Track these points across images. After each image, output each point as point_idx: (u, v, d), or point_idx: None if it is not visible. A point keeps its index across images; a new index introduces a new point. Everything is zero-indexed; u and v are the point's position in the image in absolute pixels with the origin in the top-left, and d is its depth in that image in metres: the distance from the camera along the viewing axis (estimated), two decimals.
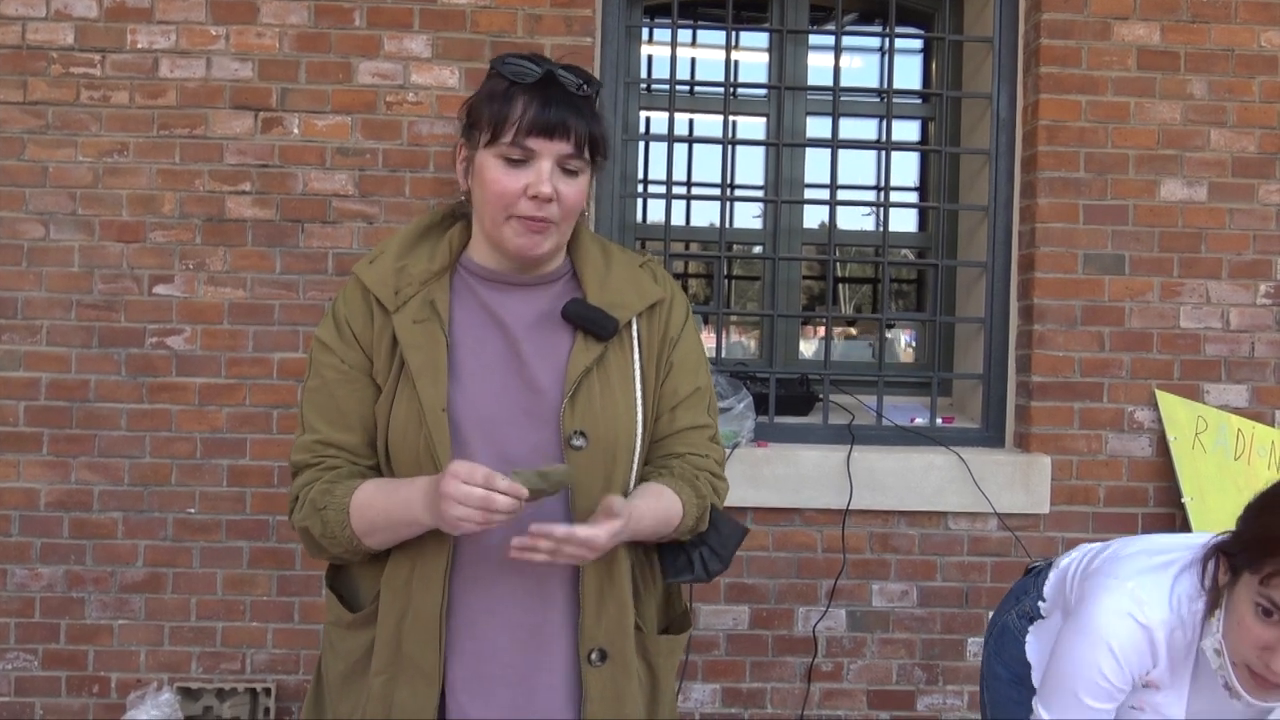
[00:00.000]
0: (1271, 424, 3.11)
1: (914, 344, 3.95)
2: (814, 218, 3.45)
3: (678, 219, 3.35)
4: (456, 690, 1.36)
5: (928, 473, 3.02)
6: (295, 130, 2.99)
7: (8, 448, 2.96)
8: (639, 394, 1.42)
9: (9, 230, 2.96)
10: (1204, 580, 1.57)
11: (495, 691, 1.36)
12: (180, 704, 2.82)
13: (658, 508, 1.36)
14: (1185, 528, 3.02)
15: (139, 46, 2.97)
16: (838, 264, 3.29)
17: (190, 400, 2.98)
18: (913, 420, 3.19)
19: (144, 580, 2.99)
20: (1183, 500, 3.01)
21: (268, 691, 2.93)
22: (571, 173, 1.35)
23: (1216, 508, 3.00)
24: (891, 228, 3.27)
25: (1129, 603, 1.57)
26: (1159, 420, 3.07)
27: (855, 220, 3.93)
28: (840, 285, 4.28)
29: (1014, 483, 3.03)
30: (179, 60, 2.97)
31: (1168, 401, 3.07)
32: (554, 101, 1.33)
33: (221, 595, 3.00)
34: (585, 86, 1.37)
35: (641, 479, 1.42)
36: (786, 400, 3.21)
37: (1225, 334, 3.11)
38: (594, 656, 1.36)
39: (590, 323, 1.39)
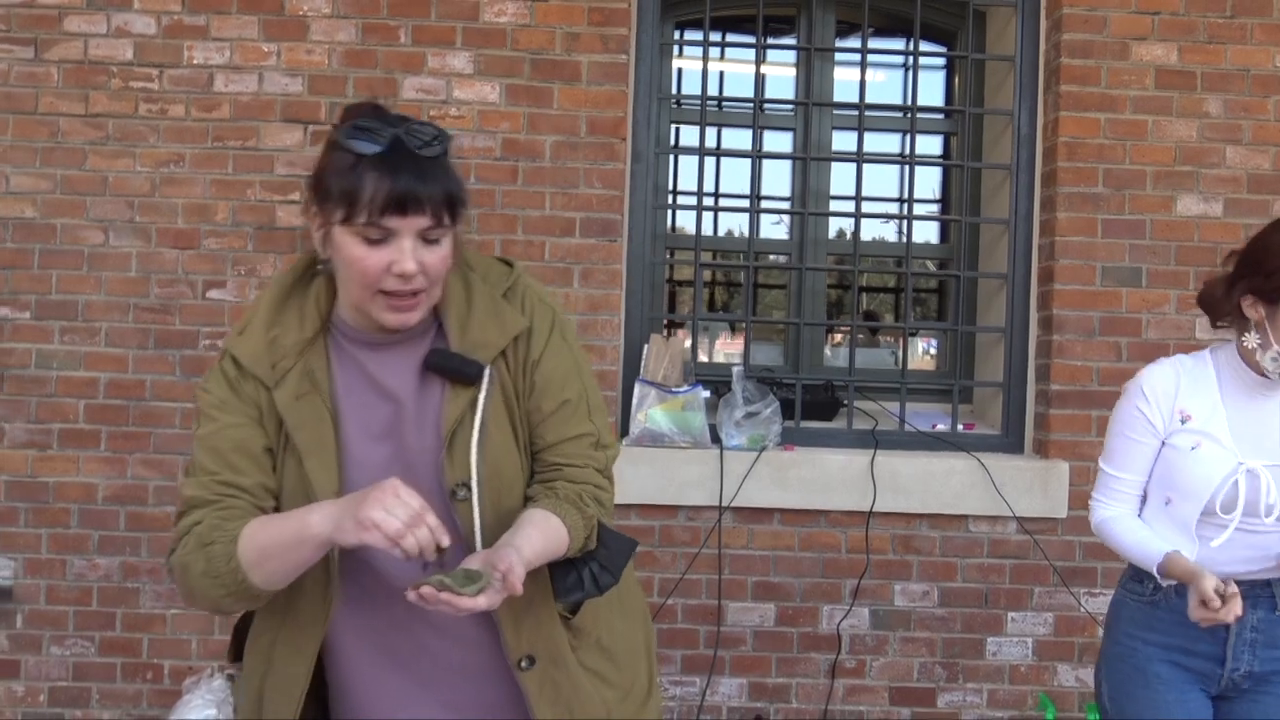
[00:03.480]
0: None
1: (931, 351, 4.05)
2: (838, 229, 3.56)
3: (707, 229, 3.47)
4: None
5: (949, 477, 3.13)
6: None
7: (69, 444, 3.11)
8: (514, 425, 1.42)
9: (71, 237, 3.11)
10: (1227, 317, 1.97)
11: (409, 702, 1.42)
12: (230, 690, 2.94)
13: (544, 539, 1.34)
14: None
15: (195, 62, 3.11)
16: (861, 274, 3.40)
17: None
18: (935, 426, 3.30)
19: None
20: None
21: None
22: (434, 241, 1.32)
23: None
24: (914, 239, 3.37)
25: (1155, 363, 2.02)
26: None
27: (878, 231, 4.04)
28: (863, 294, 4.38)
29: (1033, 488, 3.13)
30: (233, 75, 3.11)
31: None
32: (404, 172, 1.28)
33: None
34: (434, 144, 1.32)
35: (527, 498, 1.42)
36: (812, 405, 3.32)
37: None
38: (524, 663, 1.40)
39: (453, 372, 1.38)
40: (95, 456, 3.12)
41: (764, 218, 3.51)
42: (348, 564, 1.37)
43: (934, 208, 3.77)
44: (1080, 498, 3.15)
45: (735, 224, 3.62)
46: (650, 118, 3.28)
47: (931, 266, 3.70)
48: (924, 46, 3.43)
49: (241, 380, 1.37)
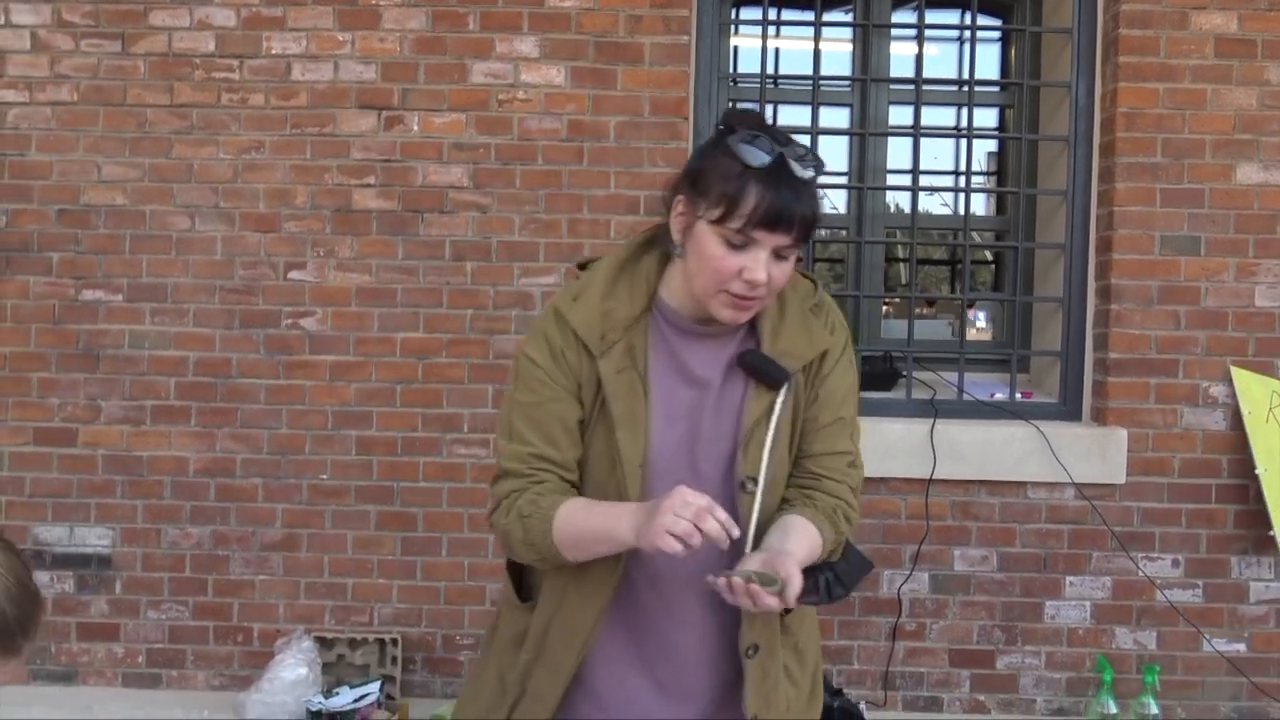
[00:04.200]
0: None
1: (980, 323, 4.09)
2: (895, 202, 3.62)
3: None
4: (595, 676, 1.53)
5: (1008, 444, 3.19)
6: (415, 127, 3.24)
7: (161, 420, 3.28)
8: (794, 431, 1.52)
9: (159, 222, 3.26)
10: None
11: (654, 670, 1.52)
12: (318, 651, 3.10)
13: (808, 548, 1.43)
14: (1259, 499, 3.16)
15: (273, 52, 3.24)
16: (919, 246, 3.46)
17: (322, 376, 3.26)
18: (993, 395, 3.36)
19: (281, 540, 3.28)
20: (1256, 471, 3.14)
21: (394, 642, 3.21)
22: (784, 257, 1.41)
23: None
24: (971, 211, 3.42)
25: None
26: (1233, 395, 3.20)
27: (936, 204, 4.09)
28: (921, 267, 4.43)
29: (1091, 454, 3.19)
30: (309, 64, 3.24)
31: (1242, 377, 3.19)
32: (784, 191, 1.36)
33: (351, 554, 3.28)
34: (812, 167, 1.40)
35: (785, 501, 1.51)
36: (871, 376, 3.39)
37: None
38: (750, 651, 1.50)
39: (763, 374, 1.47)
40: (185, 431, 3.28)
41: (823, 193, 3.56)
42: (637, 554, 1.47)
43: (991, 180, 3.80)
44: (1138, 464, 3.21)
45: None
46: (711, 97, 3.35)
47: (988, 239, 3.75)
48: (980, 20, 3.46)
49: (566, 347, 1.47)
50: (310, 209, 3.25)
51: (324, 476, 3.27)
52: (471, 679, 1.68)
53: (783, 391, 1.47)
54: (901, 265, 3.79)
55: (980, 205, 3.75)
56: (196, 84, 3.24)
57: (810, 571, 1.44)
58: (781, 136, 1.41)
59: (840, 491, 1.52)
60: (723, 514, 1.29)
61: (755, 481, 1.45)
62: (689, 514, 1.27)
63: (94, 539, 3.29)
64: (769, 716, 1.51)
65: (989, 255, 3.98)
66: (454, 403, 3.26)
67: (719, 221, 1.37)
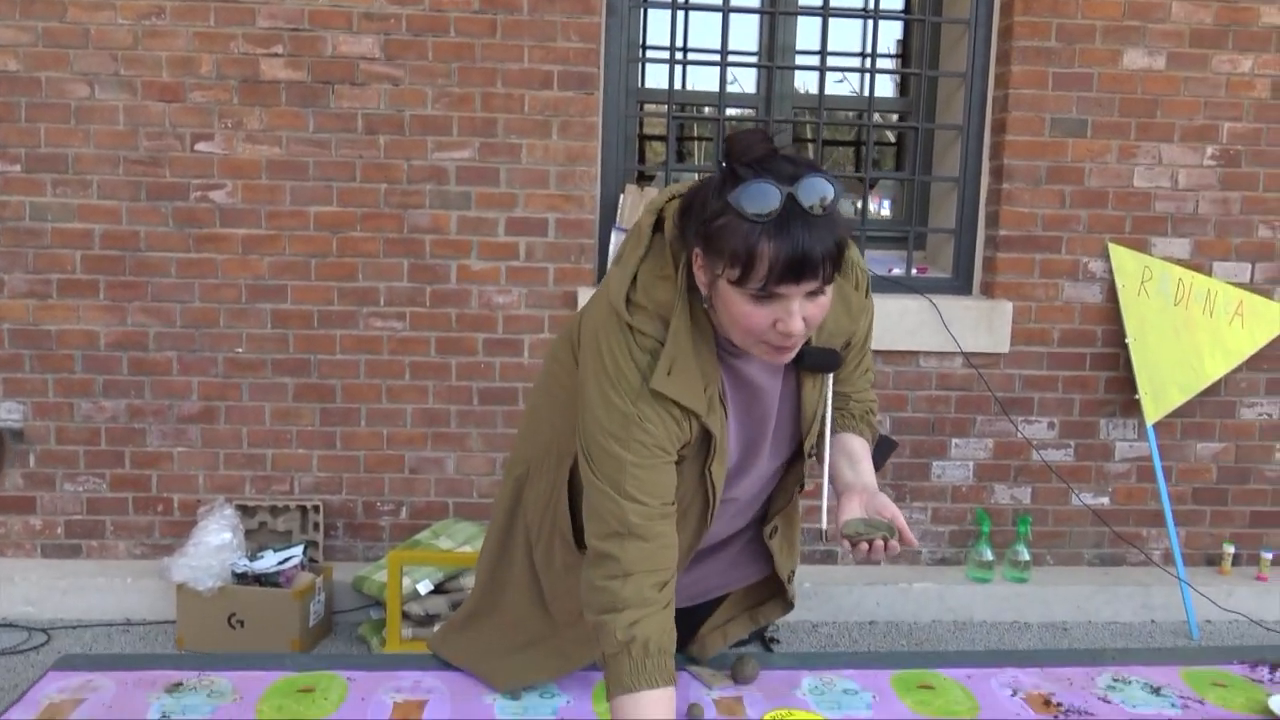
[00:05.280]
0: (1209, 274, 3.48)
1: (885, 210, 4.25)
2: (803, 82, 3.70)
3: (676, 84, 3.59)
4: None
5: (903, 316, 3.38)
6: None
7: (68, 293, 3.24)
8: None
9: (56, 90, 3.16)
10: None
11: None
12: (240, 519, 3.18)
13: (870, 465, 1.57)
14: (1127, 366, 3.42)
15: None
16: (825, 126, 3.56)
17: (234, 250, 3.25)
18: (890, 270, 3.53)
19: (199, 412, 3.32)
20: (1126, 341, 3.39)
21: (316, 509, 3.30)
22: (820, 293, 1.31)
23: (1155, 347, 3.39)
24: (876, 93, 3.52)
25: None
26: (1110, 270, 3.43)
27: (841, 85, 4.17)
28: (826, 147, 4.54)
29: (979, 325, 3.40)
30: None
31: (1118, 253, 3.42)
32: (799, 237, 1.25)
33: (269, 426, 3.34)
34: (827, 202, 1.27)
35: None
36: None
37: (1174, 192, 3.44)
38: (771, 533, 1.65)
39: (820, 368, 1.49)
40: (94, 305, 3.25)
41: (731, 72, 3.62)
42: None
43: (895, 63, 3.90)
44: (1021, 334, 3.44)
45: (705, 79, 3.74)
46: None
47: (892, 120, 3.86)
48: None
49: (679, 419, 1.40)
50: (216, 78, 3.19)
51: (239, 350, 3.30)
52: (492, 546, 1.67)
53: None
54: (809, 145, 3.88)
55: (885, 88, 3.85)
56: None
57: None
58: (788, 167, 1.28)
59: (866, 399, 1.65)
60: None
61: (818, 448, 1.55)
62: None
63: (3, 413, 3.27)
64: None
65: (891, 136, 4.10)
66: (369, 276, 3.29)
67: (739, 283, 1.28)
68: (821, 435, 1.53)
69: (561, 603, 1.58)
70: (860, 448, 1.59)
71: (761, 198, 1.25)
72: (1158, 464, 3.38)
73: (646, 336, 1.38)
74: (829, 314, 1.40)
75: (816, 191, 1.26)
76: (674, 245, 1.40)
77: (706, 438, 1.43)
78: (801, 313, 1.30)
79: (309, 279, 3.28)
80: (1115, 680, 1.69)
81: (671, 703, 1.36)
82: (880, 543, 1.42)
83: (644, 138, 4.05)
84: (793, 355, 1.38)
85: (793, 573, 1.72)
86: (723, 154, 1.33)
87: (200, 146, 3.21)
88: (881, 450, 1.68)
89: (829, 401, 1.53)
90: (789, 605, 1.76)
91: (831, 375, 1.52)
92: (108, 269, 3.24)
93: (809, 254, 1.25)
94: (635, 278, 1.40)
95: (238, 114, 3.20)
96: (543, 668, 1.61)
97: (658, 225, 1.43)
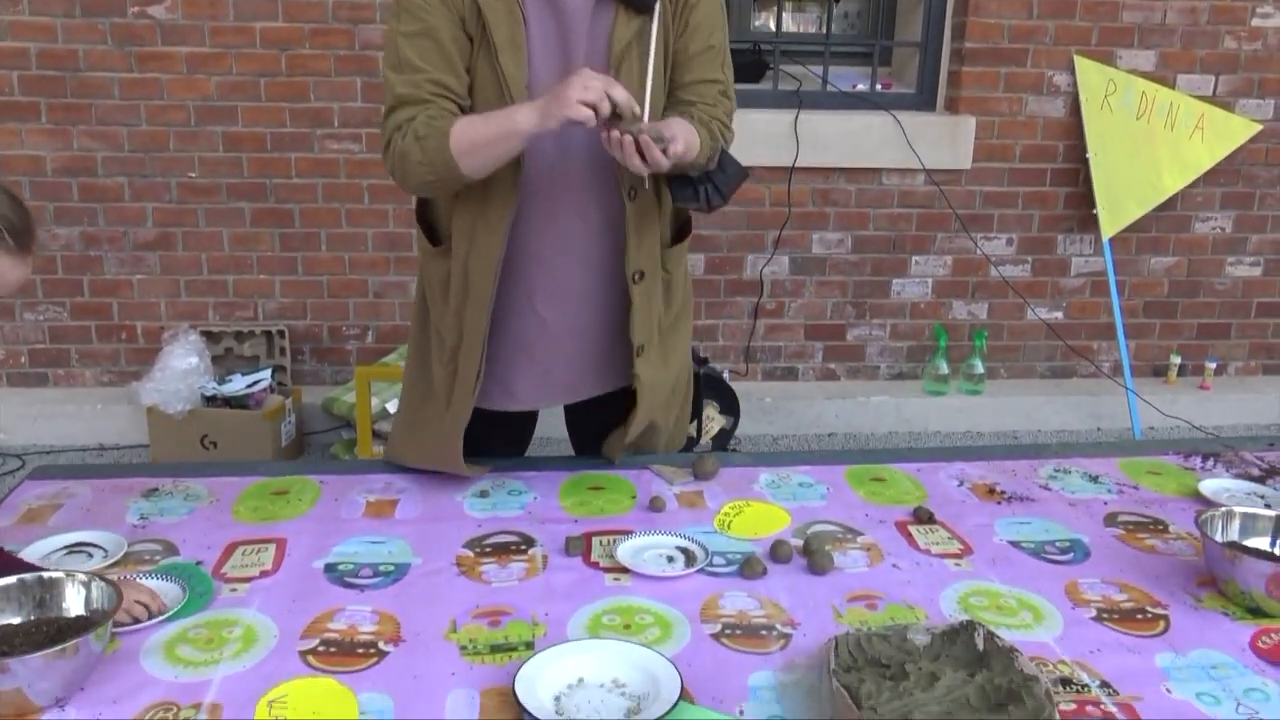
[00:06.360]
0: (1173, 87, 3.46)
1: (847, 20, 4.14)
2: None
3: None
4: (519, 308, 1.65)
5: (866, 133, 3.35)
6: None
7: (8, 116, 3.13)
8: (665, 60, 1.54)
9: None
10: None
11: (556, 305, 1.65)
12: (205, 344, 3.18)
13: (690, 138, 1.47)
14: (1087, 182, 3.44)
15: None
16: None
17: (178, 69, 3.14)
18: (855, 86, 3.48)
19: (155, 239, 3.27)
20: (1086, 156, 3.40)
21: (281, 334, 3.31)
22: None
23: (1115, 161, 3.41)
24: None
25: None
26: (1074, 84, 3.40)
27: None
28: None
29: (941, 141, 3.38)
30: None
31: (1084, 65, 3.38)
32: None
33: (229, 251, 3.30)
34: None
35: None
36: (739, 68, 3.42)
37: (1142, 1, 3.37)
38: (636, 276, 1.63)
39: (639, 6, 1.48)
40: (37, 129, 3.15)
41: None
42: (533, 161, 1.53)
43: None
44: (983, 150, 3.43)
45: None
46: None
47: None
48: None
49: None
50: None
51: (192, 174, 3.22)
52: (411, 340, 1.77)
53: (655, 16, 1.51)
54: None
55: None
56: None
57: (690, 182, 1.55)
58: None
59: (714, 113, 1.60)
60: (623, 92, 1.36)
61: (640, 108, 1.49)
62: (599, 84, 1.35)
63: None
64: (648, 344, 1.68)
65: None
66: (322, 96, 3.20)
67: None
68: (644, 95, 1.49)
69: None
70: (684, 120, 1.50)
71: None
72: (1112, 278, 3.44)
73: None
74: None
75: None
76: None
77: (486, 29, 1.46)
78: None
79: (259, 99, 3.18)
80: (1056, 470, 1.77)
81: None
82: (630, 138, 1.38)
83: None
84: None
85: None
86: None
87: None
88: (728, 177, 1.58)
89: (653, 51, 1.50)
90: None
91: (656, 26, 1.49)
92: (48, 90, 3.12)
93: None
94: None
95: None
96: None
97: None
